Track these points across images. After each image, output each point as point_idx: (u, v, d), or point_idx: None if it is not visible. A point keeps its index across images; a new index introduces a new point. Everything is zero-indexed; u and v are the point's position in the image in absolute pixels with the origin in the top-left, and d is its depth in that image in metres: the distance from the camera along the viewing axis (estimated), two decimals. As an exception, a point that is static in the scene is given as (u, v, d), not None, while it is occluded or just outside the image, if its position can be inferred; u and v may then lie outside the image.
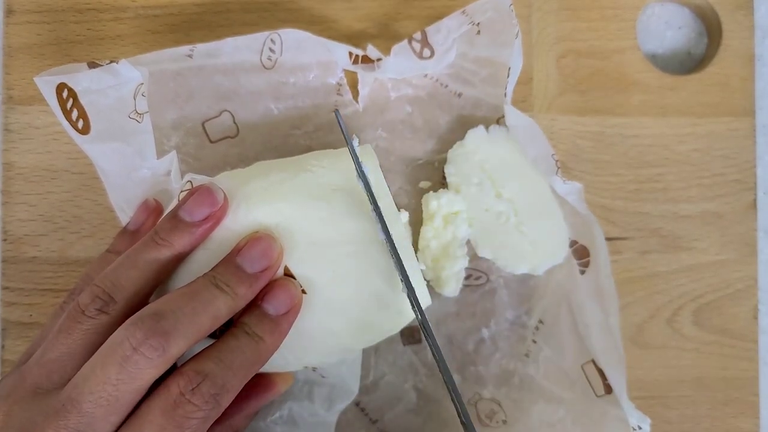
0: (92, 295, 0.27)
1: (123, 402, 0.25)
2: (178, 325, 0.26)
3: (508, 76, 0.36)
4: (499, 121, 0.39)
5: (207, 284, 0.28)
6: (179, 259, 0.29)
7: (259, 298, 0.29)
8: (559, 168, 0.35)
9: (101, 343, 0.26)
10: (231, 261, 0.29)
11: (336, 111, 0.33)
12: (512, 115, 0.35)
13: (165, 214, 0.30)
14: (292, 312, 0.29)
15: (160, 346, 0.25)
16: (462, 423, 0.29)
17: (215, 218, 0.29)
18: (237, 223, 0.30)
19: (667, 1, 0.42)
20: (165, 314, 0.26)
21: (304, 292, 0.30)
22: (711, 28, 0.42)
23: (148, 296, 0.29)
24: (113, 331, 0.26)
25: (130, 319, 0.26)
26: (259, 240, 0.29)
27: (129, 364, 0.25)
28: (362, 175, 0.31)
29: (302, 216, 0.30)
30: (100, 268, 0.32)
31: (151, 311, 0.26)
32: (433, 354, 0.30)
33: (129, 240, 0.34)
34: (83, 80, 0.32)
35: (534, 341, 0.39)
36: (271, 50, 0.36)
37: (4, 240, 0.38)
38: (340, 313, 0.31)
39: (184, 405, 0.25)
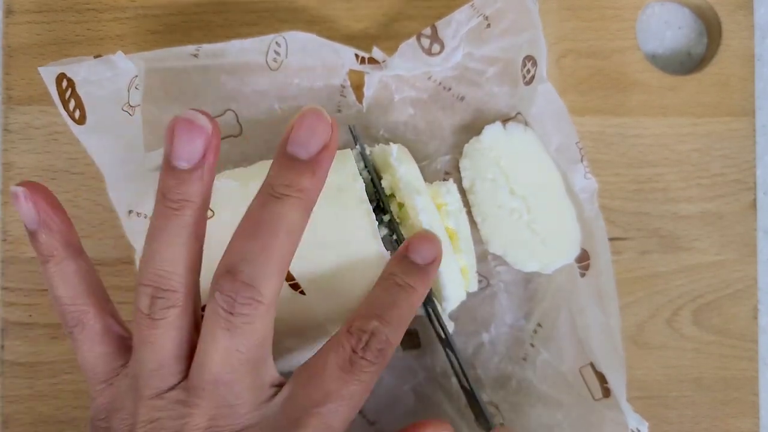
0: (148, 297, 0.26)
1: (257, 357, 0.26)
2: (257, 268, 0.25)
3: (524, 66, 0.35)
4: (507, 121, 0.39)
5: (264, 202, 0.26)
6: (204, 210, 0.27)
7: (405, 250, 0.30)
8: (583, 156, 0.35)
9: (188, 332, 0.27)
10: (281, 156, 0.26)
11: (351, 126, 0.34)
12: (546, 96, 0.35)
13: (160, 174, 0.27)
14: (437, 261, 0.30)
15: (253, 299, 0.25)
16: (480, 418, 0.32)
17: (213, 149, 0.26)
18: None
19: (667, 1, 0.42)
20: (238, 267, 0.25)
21: (302, 293, 0.30)
22: (711, 28, 0.42)
23: (199, 263, 0.27)
24: (190, 314, 0.27)
25: (210, 289, 0.26)
26: (303, 117, 0.26)
27: (235, 328, 0.25)
28: (378, 185, 0.32)
29: None
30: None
31: (223, 270, 0.25)
32: (455, 358, 0.33)
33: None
34: (81, 70, 0.32)
35: (532, 345, 0.39)
36: (277, 53, 0.36)
37: (4, 240, 0.38)
38: (340, 315, 0.31)
39: (359, 361, 0.27)
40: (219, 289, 0.25)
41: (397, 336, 0.28)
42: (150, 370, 0.26)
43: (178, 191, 0.26)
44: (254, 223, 0.26)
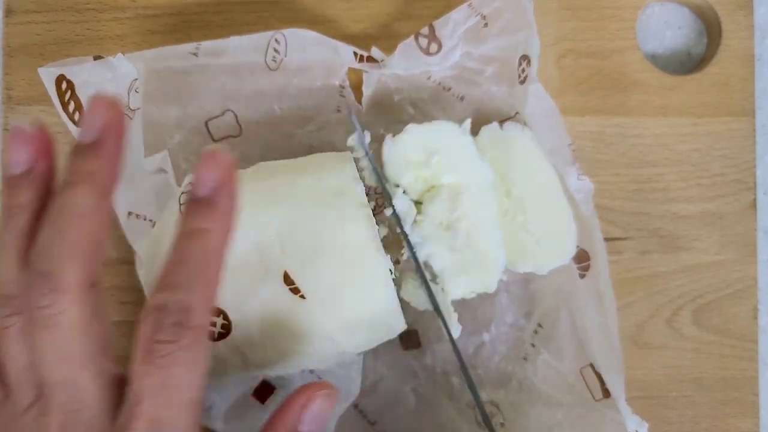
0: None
1: (85, 351, 0.24)
2: (50, 257, 0.24)
3: (519, 65, 0.35)
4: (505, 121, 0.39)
5: (58, 192, 0.25)
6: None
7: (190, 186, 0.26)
8: (575, 159, 0.35)
9: None
10: (73, 147, 0.25)
11: (350, 111, 0.34)
12: (537, 96, 0.35)
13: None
14: (228, 185, 0.25)
15: (49, 289, 0.23)
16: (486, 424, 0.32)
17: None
18: (239, 226, 0.30)
19: (667, 1, 0.42)
20: (32, 259, 0.24)
21: (303, 297, 0.30)
22: (711, 28, 0.42)
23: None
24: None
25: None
26: (86, 107, 0.25)
27: (47, 325, 0.23)
28: (381, 174, 0.32)
29: (304, 220, 0.30)
30: None
31: (30, 262, 0.24)
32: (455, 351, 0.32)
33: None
34: (82, 73, 0.32)
35: (532, 345, 0.39)
36: (276, 51, 0.36)
37: (4, 240, 0.38)
38: (340, 319, 0.31)
39: (155, 347, 0.23)
40: (24, 287, 0.24)
41: (197, 297, 0.24)
42: (15, 386, 0.25)
43: (11, 197, 0.26)
44: (48, 215, 0.25)
